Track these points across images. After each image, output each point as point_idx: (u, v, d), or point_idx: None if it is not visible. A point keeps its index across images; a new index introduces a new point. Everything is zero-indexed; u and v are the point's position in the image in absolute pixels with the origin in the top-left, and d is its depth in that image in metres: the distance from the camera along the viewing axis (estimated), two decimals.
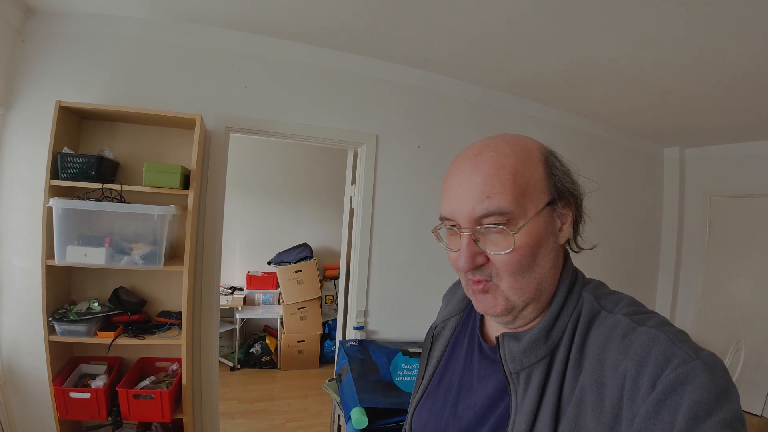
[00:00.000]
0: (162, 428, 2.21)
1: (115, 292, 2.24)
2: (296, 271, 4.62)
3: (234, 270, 5.00)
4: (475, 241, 0.63)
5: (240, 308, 4.56)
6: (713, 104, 3.00)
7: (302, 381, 4.30)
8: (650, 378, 0.51)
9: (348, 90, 2.72)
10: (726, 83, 2.60)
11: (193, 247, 2.23)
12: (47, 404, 2.05)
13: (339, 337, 3.21)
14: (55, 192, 1.97)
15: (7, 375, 2.22)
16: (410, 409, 0.86)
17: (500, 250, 0.62)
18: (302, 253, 4.80)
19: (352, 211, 3.07)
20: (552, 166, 0.67)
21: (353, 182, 3.10)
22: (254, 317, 4.67)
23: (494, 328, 0.77)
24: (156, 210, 2.02)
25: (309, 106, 2.63)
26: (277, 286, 4.79)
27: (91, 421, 2.19)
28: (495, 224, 0.62)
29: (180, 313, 2.19)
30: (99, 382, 2.05)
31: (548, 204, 0.65)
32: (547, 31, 2.17)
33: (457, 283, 0.95)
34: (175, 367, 2.31)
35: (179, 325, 2.18)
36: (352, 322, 2.86)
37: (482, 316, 0.82)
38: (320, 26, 2.33)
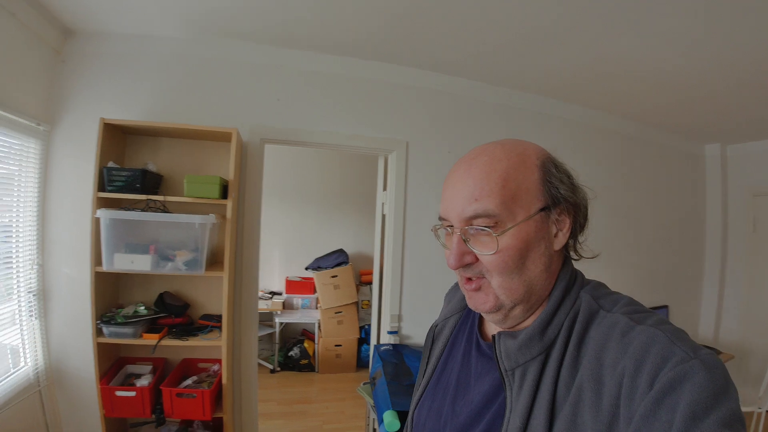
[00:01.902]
0: (203, 426, 2.31)
1: (161, 296, 2.38)
2: (333, 276, 4.70)
3: (273, 275, 5.14)
4: (465, 241, 0.66)
5: (279, 312, 4.69)
6: (752, 98, 2.87)
7: (339, 384, 4.37)
8: (648, 377, 0.51)
9: (377, 98, 2.78)
10: (764, 76, 2.49)
11: (233, 253, 2.33)
12: (94, 403, 2.18)
13: (373, 341, 3.26)
14: (101, 203, 2.11)
15: (54, 376, 2.37)
16: (411, 408, 0.87)
17: (487, 251, 0.65)
18: (338, 258, 4.89)
19: (384, 217, 3.12)
20: (548, 173, 0.68)
21: (384, 188, 3.15)
22: (293, 321, 4.78)
23: (492, 327, 0.78)
24: (197, 219, 2.13)
25: (340, 115, 2.70)
26: (315, 291, 4.89)
27: (135, 419, 2.32)
28: (483, 226, 0.64)
29: (221, 316, 2.29)
30: (144, 381, 2.18)
31: (542, 209, 0.66)
32: (572, 29, 2.14)
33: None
34: (216, 367, 2.41)
35: (220, 328, 2.28)
36: (386, 327, 2.90)
37: (481, 315, 0.83)
38: (348, 38, 2.40)
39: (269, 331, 4.69)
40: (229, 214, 2.24)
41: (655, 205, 3.83)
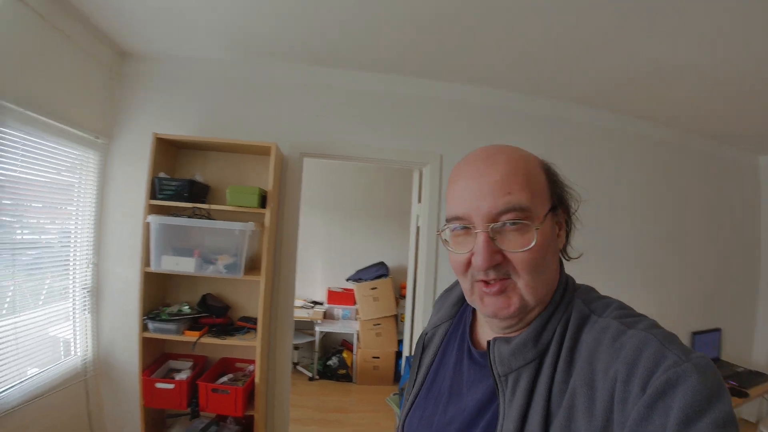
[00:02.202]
0: (234, 422, 2.43)
1: (203, 297, 2.55)
2: (372, 288, 4.78)
3: (315, 285, 5.29)
4: (492, 239, 0.64)
5: (320, 321, 4.81)
6: None
7: (375, 396, 4.41)
8: (641, 381, 0.51)
9: (413, 112, 2.86)
10: None
11: (270, 259, 2.48)
12: (135, 393, 2.38)
13: (405, 352, 3.30)
14: (152, 210, 2.32)
15: (102, 368, 2.61)
16: (401, 417, 0.86)
17: (518, 247, 0.63)
18: (379, 271, 4.97)
19: (418, 229, 3.18)
20: (552, 175, 0.71)
21: (419, 201, 3.21)
22: (333, 331, 4.89)
23: (486, 333, 0.77)
24: (237, 226, 2.28)
25: (375, 129, 2.81)
26: (355, 302, 4.99)
27: (172, 410, 2.48)
28: (516, 220, 0.63)
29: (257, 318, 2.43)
30: (183, 375, 2.35)
31: (550, 210, 0.67)
32: (615, 35, 2.06)
33: (448, 290, 0.97)
34: (251, 368, 2.54)
35: (252, 331, 2.41)
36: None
37: (472, 323, 0.83)
38: (383, 55, 2.50)
39: (309, 339, 4.82)
40: (267, 222, 2.38)
41: (703, 220, 3.64)
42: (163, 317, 2.32)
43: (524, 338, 0.65)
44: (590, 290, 0.73)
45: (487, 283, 0.66)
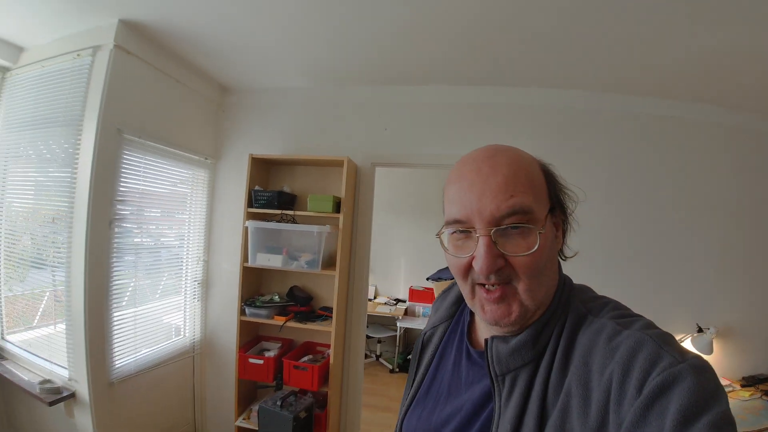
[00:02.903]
0: (312, 396, 2.84)
1: (291, 288, 3.01)
2: None
3: (399, 284, 5.65)
4: (494, 243, 0.62)
5: (401, 318, 5.15)
6: None
7: None
8: (637, 382, 0.50)
9: (479, 118, 2.98)
10: None
11: (345, 256, 2.87)
12: (232, 367, 2.92)
13: None
14: (249, 216, 2.82)
15: (207, 346, 3.22)
16: (400, 417, 0.86)
17: (521, 251, 0.62)
18: (441, 274, 5.18)
19: None
20: (550, 175, 0.71)
21: None
22: (413, 327, 5.20)
23: (484, 333, 0.76)
24: (315, 229, 2.69)
25: (443, 137, 3.01)
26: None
27: (261, 382, 2.94)
28: (519, 224, 0.62)
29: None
30: (271, 354, 2.81)
31: (549, 211, 0.67)
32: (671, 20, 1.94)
33: (447, 290, 0.97)
34: (329, 351, 2.94)
35: (330, 319, 2.82)
36: None
37: (470, 323, 0.83)
38: (444, 69, 2.71)
39: (392, 334, 5.19)
40: (340, 225, 2.76)
41: None
42: (258, 304, 2.81)
43: (523, 339, 0.65)
44: (587, 290, 0.73)
45: (487, 289, 0.65)
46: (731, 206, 2.84)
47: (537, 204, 0.63)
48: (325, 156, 2.84)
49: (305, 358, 2.82)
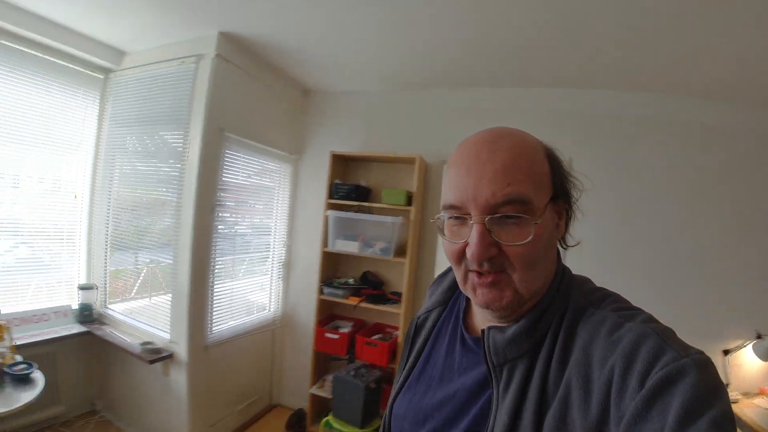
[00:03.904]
0: (380, 371, 3.11)
1: (364, 273, 3.32)
2: None
3: None
4: (488, 231, 0.61)
5: None
6: None
7: None
8: (639, 376, 0.50)
9: (537, 121, 3.04)
10: None
11: (415, 246, 3.14)
12: (308, 341, 3.29)
13: None
14: (329, 207, 3.15)
15: (287, 320, 3.65)
16: (391, 399, 0.85)
17: (515, 240, 0.60)
18: None
19: None
20: (556, 162, 0.68)
21: None
22: None
23: (480, 321, 0.76)
24: (389, 219, 2.97)
25: None
26: None
27: (334, 355, 3.26)
28: (514, 213, 0.60)
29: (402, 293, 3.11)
30: (345, 330, 3.13)
31: (551, 199, 0.65)
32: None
33: (442, 275, 0.96)
34: (397, 333, 3.21)
35: (399, 302, 3.08)
36: None
37: (466, 308, 0.82)
38: (505, 71, 2.87)
39: None
40: (411, 217, 3.02)
41: None
42: (335, 285, 3.14)
43: (520, 329, 0.64)
44: (586, 281, 0.72)
45: (480, 274, 0.64)
46: None
47: (536, 193, 0.62)
48: (400, 154, 3.11)
49: (375, 336, 3.11)
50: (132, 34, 2.80)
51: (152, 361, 2.62)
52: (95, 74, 3.07)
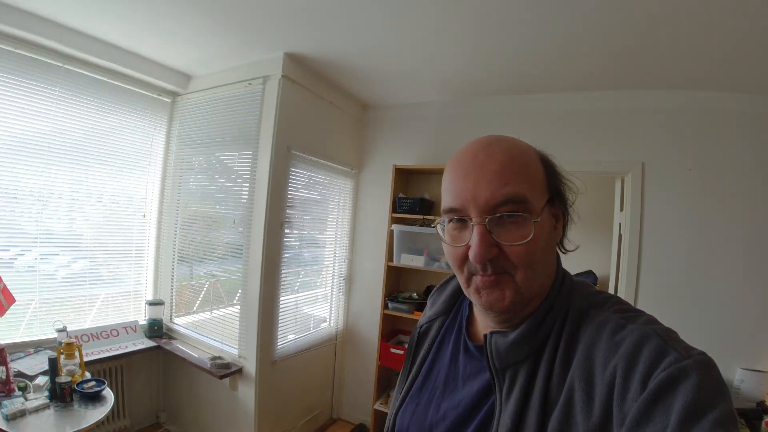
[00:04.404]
0: None
1: (428, 287, 3.26)
2: None
3: None
4: (489, 232, 0.62)
5: None
6: None
7: None
8: (641, 377, 0.50)
9: (612, 124, 2.95)
10: None
11: None
12: (372, 354, 3.28)
13: None
14: (393, 221, 3.12)
15: (348, 334, 3.62)
16: (393, 410, 0.84)
17: (516, 240, 0.61)
18: (587, 278, 5.05)
19: (620, 236, 3.31)
20: (550, 166, 0.69)
21: (621, 209, 3.34)
22: None
23: (483, 328, 0.75)
24: None
25: (576, 143, 3.02)
26: None
27: (398, 370, 3.20)
28: (514, 212, 0.61)
29: None
30: None
31: (548, 202, 0.66)
32: None
33: (444, 284, 0.95)
34: None
35: None
36: None
37: (469, 316, 0.82)
38: (578, 77, 2.75)
39: None
40: None
41: None
42: (400, 299, 3.10)
43: (522, 333, 0.64)
44: (587, 285, 0.72)
45: (483, 275, 0.64)
46: None
47: (533, 193, 0.63)
48: None
49: None
50: (198, 58, 2.90)
51: (223, 376, 2.67)
52: (162, 98, 3.21)
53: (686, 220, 2.84)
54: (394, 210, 3.15)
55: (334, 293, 3.55)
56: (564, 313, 0.65)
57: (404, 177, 3.35)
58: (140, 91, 3.05)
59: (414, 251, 3.07)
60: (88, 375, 2.37)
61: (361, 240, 3.63)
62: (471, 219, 0.63)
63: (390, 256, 3.13)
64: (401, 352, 3.04)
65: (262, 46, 2.63)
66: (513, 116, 3.21)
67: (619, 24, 2.09)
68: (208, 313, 3.18)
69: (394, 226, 3.05)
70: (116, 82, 2.89)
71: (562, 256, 0.75)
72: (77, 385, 2.20)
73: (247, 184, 2.80)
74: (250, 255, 2.77)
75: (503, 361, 0.65)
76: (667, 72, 2.59)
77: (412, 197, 3.11)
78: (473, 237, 0.62)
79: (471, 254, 0.62)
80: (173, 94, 3.26)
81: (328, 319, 3.53)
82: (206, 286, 3.24)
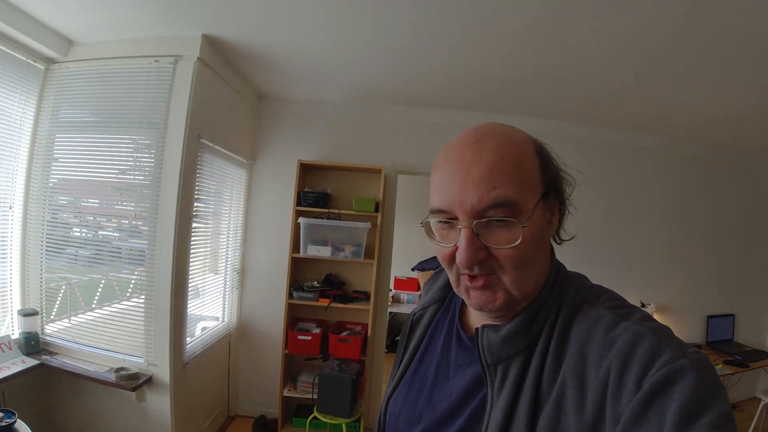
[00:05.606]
0: (357, 364, 3.32)
1: (327, 276, 3.52)
2: None
3: None
4: (477, 235, 0.60)
5: (390, 304, 5.71)
6: None
7: None
8: (636, 376, 0.49)
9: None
10: None
11: (380, 248, 3.41)
12: (273, 345, 3.44)
13: None
14: (298, 214, 3.29)
15: (241, 331, 3.64)
16: (385, 398, 0.84)
17: (505, 243, 0.59)
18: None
19: None
20: (545, 158, 0.66)
21: None
22: (399, 311, 5.79)
23: (476, 319, 0.75)
24: (361, 225, 3.23)
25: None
26: (419, 289, 5.87)
27: (309, 356, 3.37)
28: (502, 217, 0.59)
29: (365, 292, 3.41)
30: (316, 331, 3.33)
31: (542, 196, 0.63)
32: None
33: (438, 272, 0.94)
34: (359, 328, 3.48)
35: (367, 299, 3.37)
36: None
37: (462, 305, 0.81)
38: (464, 98, 3.32)
39: None
40: (378, 222, 3.31)
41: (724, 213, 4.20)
42: (306, 288, 3.30)
43: (514, 327, 0.64)
44: (582, 278, 0.72)
45: (471, 276, 0.63)
46: (671, 216, 3.99)
47: (524, 194, 0.60)
48: (367, 165, 3.38)
49: (343, 334, 3.34)
50: (91, 22, 2.46)
51: (135, 388, 2.41)
52: (37, 65, 2.61)
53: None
54: (298, 203, 3.30)
55: (227, 288, 3.46)
56: (557, 308, 0.65)
57: (304, 171, 3.48)
58: (11, 52, 2.41)
59: (319, 242, 3.29)
60: None
61: (256, 233, 3.65)
62: (458, 221, 0.61)
63: (296, 248, 3.29)
64: (309, 337, 3.24)
65: (179, 23, 2.41)
66: (407, 124, 3.65)
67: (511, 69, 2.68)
68: (91, 318, 2.77)
69: (302, 219, 3.22)
70: None
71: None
72: None
73: (149, 174, 2.60)
74: (156, 254, 2.55)
75: (495, 356, 0.64)
76: (533, 104, 3.30)
77: (317, 191, 3.33)
78: (460, 240, 0.60)
79: (458, 258, 0.61)
80: (48, 61, 2.65)
81: (221, 316, 3.43)
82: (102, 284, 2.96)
